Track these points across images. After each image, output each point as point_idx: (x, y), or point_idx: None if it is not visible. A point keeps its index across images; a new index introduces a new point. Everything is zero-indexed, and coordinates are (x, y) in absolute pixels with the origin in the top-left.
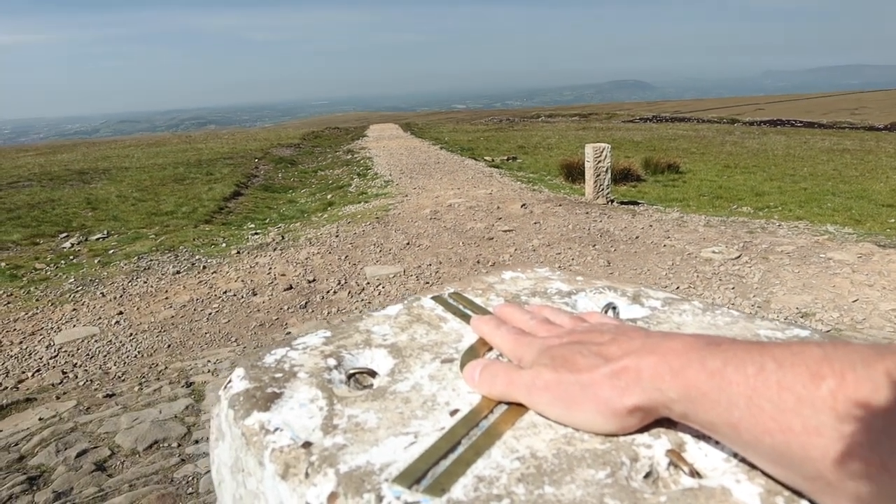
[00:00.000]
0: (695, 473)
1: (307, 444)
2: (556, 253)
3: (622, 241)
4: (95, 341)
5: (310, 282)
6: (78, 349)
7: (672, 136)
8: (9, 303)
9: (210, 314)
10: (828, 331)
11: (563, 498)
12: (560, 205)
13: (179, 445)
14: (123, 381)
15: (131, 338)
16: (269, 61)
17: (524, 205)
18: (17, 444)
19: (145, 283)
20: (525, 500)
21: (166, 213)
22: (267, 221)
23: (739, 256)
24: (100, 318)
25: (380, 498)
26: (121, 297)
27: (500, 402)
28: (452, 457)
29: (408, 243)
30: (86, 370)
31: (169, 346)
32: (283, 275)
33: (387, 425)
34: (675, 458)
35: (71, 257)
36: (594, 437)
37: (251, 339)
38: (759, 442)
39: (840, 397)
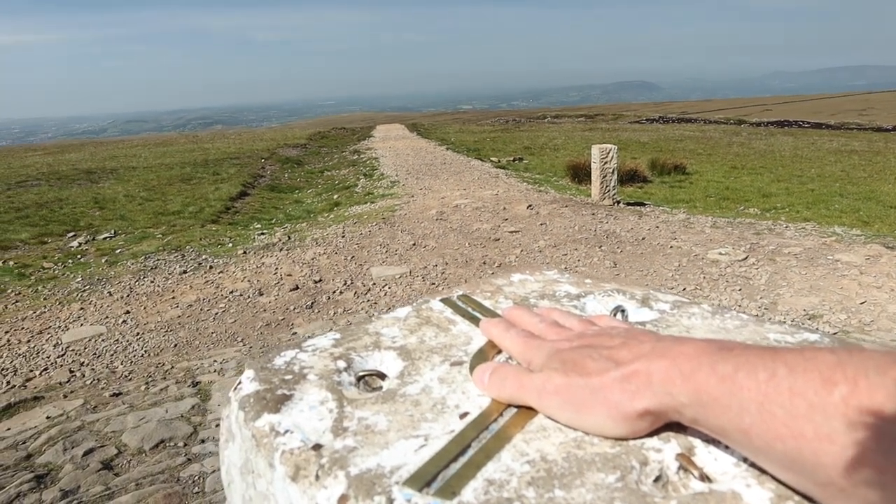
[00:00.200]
0: (705, 478)
1: (317, 447)
2: (562, 254)
3: (628, 242)
4: (102, 340)
5: (316, 282)
6: (85, 348)
7: (679, 136)
8: (17, 301)
9: (216, 314)
10: (835, 333)
11: (573, 501)
12: (566, 206)
13: (185, 445)
14: (130, 380)
15: (138, 337)
16: (276, 61)
17: (530, 206)
18: (24, 443)
19: (152, 282)
20: None
21: (173, 213)
22: (273, 221)
23: (746, 258)
24: (107, 317)
25: (390, 500)
26: (128, 296)
27: (509, 406)
28: (463, 460)
29: (414, 244)
30: (93, 369)
31: (175, 345)
32: (290, 275)
33: (397, 428)
34: (685, 462)
35: (78, 256)
36: (604, 440)
37: (257, 339)
38: (771, 448)
39: (852, 404)
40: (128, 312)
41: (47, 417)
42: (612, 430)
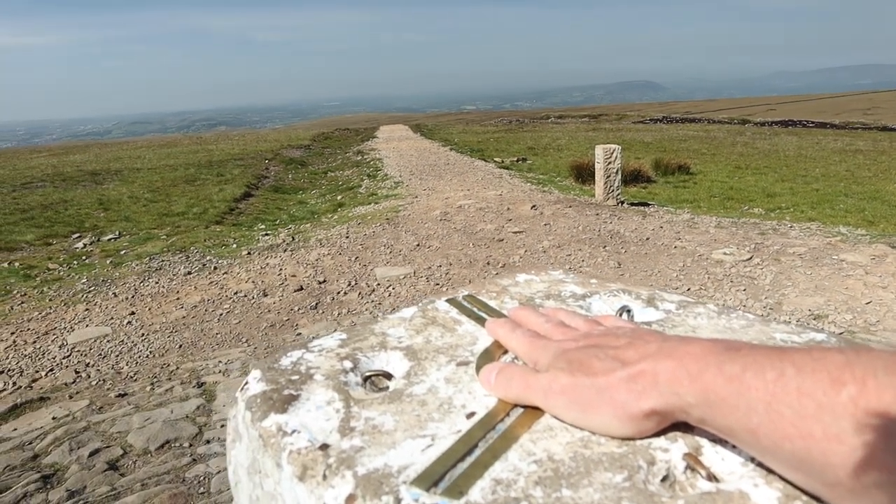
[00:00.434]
0: (712, 477)
1: (325, 446)
2: (566, 254)
3: (633, 242)
4: (108, 341)
5: (320, 283)
6: (90, 349)
7: (682, 136)
8: (22, 303)
9: (221, 315)
10: (841, 333)
11: (580, 501)
12: (570, 206)
13: (191, 445)
14: (135, 380)
15: (143, 338)
16: (280, 62)
17: (534, 206)
18: (31, 443)
19: (157, 283)
20: (543, 503)
21: (177, 214)
22: (277, 222)
23: (751, 258)
24: (112, 318)
25: (398, 500)
26: (133, 297)
27: (516, 406)
28: (470, 459)
29: (418, 244)
30: (98, 370)
31: (180, 346)
32: (294, 276)
33: (404, 427)
34: (693, 461)
35: (83, 258)
36: (611, 440)
37: (262, 340)
38: (779, 448)
39: (861, 404)
40: (133, 313)
41: (53, 418)
42: (618, 430)
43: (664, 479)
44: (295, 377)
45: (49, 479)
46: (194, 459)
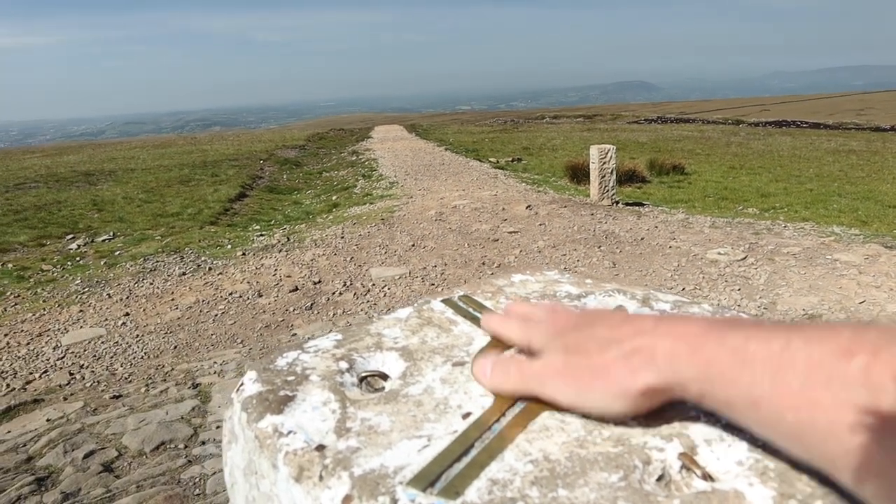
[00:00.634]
0: (707, 476)
1: (321, 447)
2: (561, 254)
3: (627, 242)
4: (102, 342)
5: (315, 283)
6: (85, 350)
7: (677, 137)
8: (16, 304)
9: (216, 315)
10: None
11: (576, 501)
12: (565, 206)
13: (186, 447)
14: (130, 382)
15: (138, 339)
16: (274, 63)
17: (529, 206)
18: (24, 445)
19: (151, 284)
20: (539, 503)
21: (172, 215)
22: (272, 223)
23: (745, 258)
24: (106, 319)
25: (394, 501)
26: (127, 298)
27: (514, 403)
28: (466, 460)
29: (413, 245)
30: (93, 371)
31: (175, 347)
32: (289, 276)
33: (400, 428)
34: (688, 461)
35: (77, 259)
36: (607, 440)
37: (257, 341)
38: (781, 419)
39: (874, 373)
40: (127, 314)
41: (47, 420)
42: (613, 407)
43: (660, 478)
44: (291, 378)
45: (43, 481)
46: (189, 461)
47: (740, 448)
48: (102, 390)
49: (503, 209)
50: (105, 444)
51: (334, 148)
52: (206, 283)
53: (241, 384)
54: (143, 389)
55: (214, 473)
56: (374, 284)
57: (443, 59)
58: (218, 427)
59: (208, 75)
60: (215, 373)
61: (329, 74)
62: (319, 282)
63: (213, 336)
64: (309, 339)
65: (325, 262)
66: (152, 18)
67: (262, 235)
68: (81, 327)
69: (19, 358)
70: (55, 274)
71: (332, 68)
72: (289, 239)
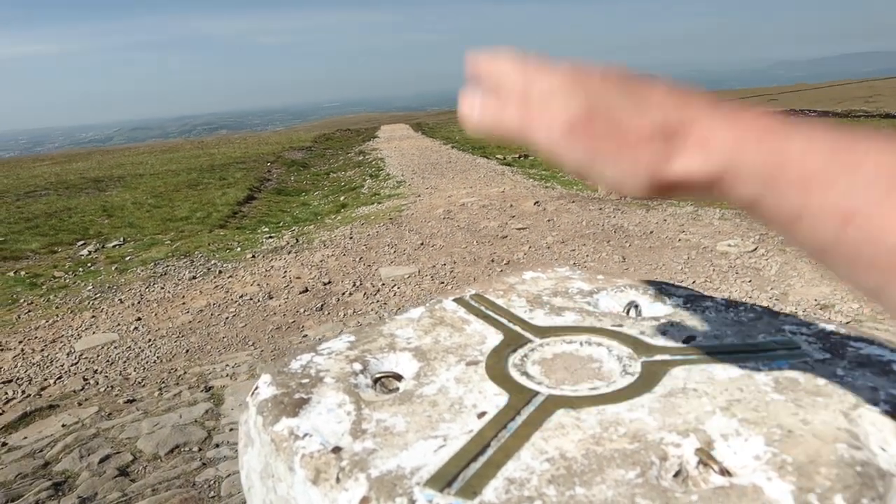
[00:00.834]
0: (725, 472)
1: (337, 449)
2: (570, 250)
3: (637, 236)
4: (115, 347)
5: (325, 284)
6: (98, 356)
7: None
8: (29, 311)
9: (227, 318)
10: (848, 322)
11: (594, 498)
12: (573, 201)
13: (200, 449)
14: (143, 386)
15: (150, 343)
16: (279, 65)
17: (537, 202)
18: (41, 451)
19: (162, 288)
20: (556, 502)
21: (181, 219)
22: (281, 225)
23: (756, 249)
24: (119, 324)
25: (412, 501)
26: (139, 303)
27: (529, 401)
28: (482, 459)
29: (422, 243)
30: (106, 376)
31: (187, 350)
32: (299, 277)
33: (415, 429)
34: (705, 456)
35: (89, 265)
36: (623, 437)
37: (268, 343)
38: (882, 241)
39: None
40: (139, 319)
41: (63, 425)
42: (631, 185)
43: (677, 474)
44: (305, 381)
45: (60, 486)
46: (204, 463)
47: (757, 442)
48: (116, 395)
49: (511, 206)
50: (120, 449)
51: (341, 148)
52: (217, 286)
53: (256, 388)
54: (156, 393)
55: (229, 475)
56: (383, 284)
57: (446, 57)
58: (231, 429)
59: (213, 79)
60: (227, 375)
61: (333, 75)
62: (329, 282)
63: (225, 339)
64: (322, 340)
65: (334, 262)
66: (155, 24)
67: (271, 237)
68: (94, 333)
69: (34, 364)
70: (67, 280)
71: (336, 69)
72: (298, 240)
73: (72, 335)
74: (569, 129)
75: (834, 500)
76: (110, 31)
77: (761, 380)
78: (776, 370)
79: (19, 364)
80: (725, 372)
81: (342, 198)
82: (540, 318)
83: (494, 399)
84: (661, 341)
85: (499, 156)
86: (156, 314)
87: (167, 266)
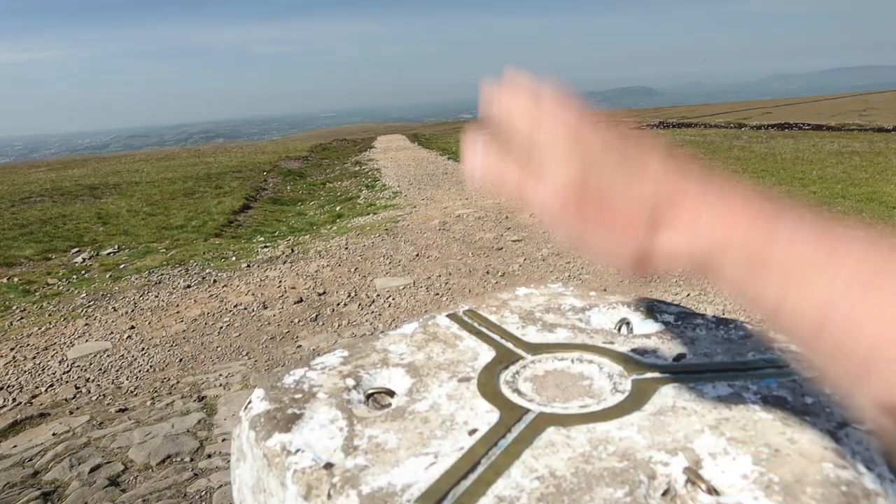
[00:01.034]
0: (712, 491)
1: (329, 465)
2: (565, 262)
3: None
4: (108, 356)
5: (320, 294)
6: (90, 364)
7: (679, 141)
8: (22, 318)
9: (221, 328)
10: None
11: None
12: None
13: (192, 460)
14: (136, 395)
15: (143, 352)
16: (276, 74)
17: (533, 214)
18: (31, 460)
19: (156, 297)
20: None
21: (176, 227)
22: (276, 234)
23: None
24: (112, 332)
25: None
26: (132, 311)
27: (519, 419)
28: (473, 477)
29: (417, 255)
30: (98, 385)
31: (181, 360)
32: (294, 288)
33: (407, 446)
34: (693, 475)
35: (83, 272)
36: (612, 455)
37: (262, 353)
38: (855, 339)
39: None
40: (133, 327)
41: (53, 434)
42: (617, 255)
43: (665, 493)
44: (298, 396)
45: (50, 495)
46: (196, 474)
47: (745, 461)
48: (108, 404)
49: (507, 217)
50: (111, 458)
51: (337, 158)
52: (211, 295)
53: (249, 402)
54: (148, 402)
55: (221, 486)
56: (378, 295)
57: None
58: (224, 440)
59: (210, 88)
60: (221, 385)
61: (330, 85)
62: (324, 293)
63: (219, 348)
64: (315, 355)
65: (329, 273)
66: (153, 32)
67: (266, 247)
68: (87, 341)
69: (25, 372)
70: (61, 287)
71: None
72: (293, 250)
73: (64, 343)
74: (561, 202)
75: None
76: (108, 38)
77: (750, 398)
78: (765, 389)
79: (10, 371)
80: (714, 390)
81: (338, 208)
82: (532, 335)
83: (486, 416)
84: (651, 359)
85: None
86: (149, 323)
87: (162, 274)
